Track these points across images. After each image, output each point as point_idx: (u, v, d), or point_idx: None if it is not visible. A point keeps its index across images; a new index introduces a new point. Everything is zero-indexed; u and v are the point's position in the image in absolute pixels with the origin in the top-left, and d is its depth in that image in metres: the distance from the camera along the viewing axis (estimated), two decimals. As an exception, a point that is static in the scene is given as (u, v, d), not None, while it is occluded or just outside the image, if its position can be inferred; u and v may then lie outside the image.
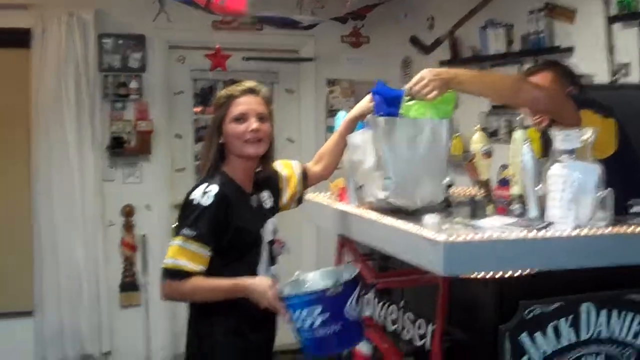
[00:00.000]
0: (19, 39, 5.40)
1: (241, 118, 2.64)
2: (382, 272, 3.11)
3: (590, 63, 4.10)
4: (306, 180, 2.98)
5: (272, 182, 2.86)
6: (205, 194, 2.51)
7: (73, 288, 5.53)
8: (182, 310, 5.81)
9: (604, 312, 2.54)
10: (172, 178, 5.91)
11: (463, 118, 5.11)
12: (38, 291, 5.53)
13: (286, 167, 2.95)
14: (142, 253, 5.80)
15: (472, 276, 2.45)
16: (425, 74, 2.70)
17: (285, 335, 2.73)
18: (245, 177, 2.70)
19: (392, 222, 2.62)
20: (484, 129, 4.51)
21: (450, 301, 2.68)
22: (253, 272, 2.64)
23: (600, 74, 4.04)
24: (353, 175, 3.01)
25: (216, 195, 2.51)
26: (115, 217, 5.75)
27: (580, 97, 3.11)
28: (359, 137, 2.92)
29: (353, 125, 2.95)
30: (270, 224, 2.74)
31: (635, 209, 2.74)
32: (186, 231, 2.49)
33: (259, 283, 2.54)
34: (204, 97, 6.15)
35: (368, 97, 2.89)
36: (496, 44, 4.85)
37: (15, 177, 5.57)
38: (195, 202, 2.52)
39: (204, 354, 2.65)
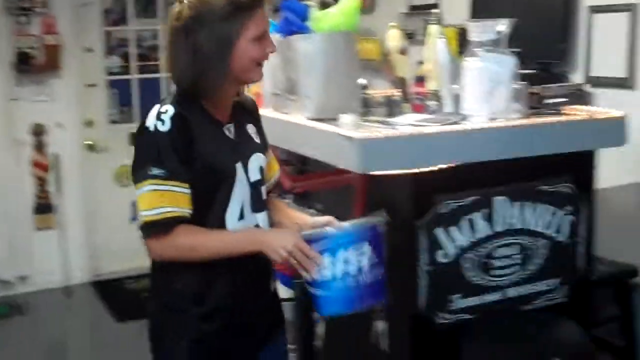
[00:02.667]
0: None
1: (261, 37, 2.09)
2: (299, 176, 3.07)
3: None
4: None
5: (261, 129, 2.31)
6: (160, 117, 2.00)
7: (-17, 211, 5.37)
8: (100, 230, 5.81)
9: (517, 204, 2.57)
10: (84, 94, 5.73)
11: (380, 21, 5.06)
12: (-53, 215, 5.36)
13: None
14: (55, 173, 5.63)
15: (387, 173, 2.42)
16: None
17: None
18: (224, 104, 2.15)
19: (308, 123, 2.57)
20: (402, 31, 4.45)
21: (368, 201, 2.66)
22: (222, 219, 2.09)
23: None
24: (269, 80, 2.93)
25: (173, 117, 2.00)
26: (25, 137, 5.55)
27: None
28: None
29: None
30: (256, 161, 2.18)
31: (548, 100, 2.75)
32: (155, 171, 1.98)
33: (280, 229, 2.18)
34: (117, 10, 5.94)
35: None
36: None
37: None
38: (150, 129, 2.00)
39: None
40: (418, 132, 2.33)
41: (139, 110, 5.90)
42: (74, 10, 5.58)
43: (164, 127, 1.98)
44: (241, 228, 2.10)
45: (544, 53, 3.74)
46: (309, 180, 2.91)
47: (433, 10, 2.79)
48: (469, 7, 4.05)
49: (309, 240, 2.03)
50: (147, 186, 1.99)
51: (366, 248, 2.06)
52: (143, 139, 2.03)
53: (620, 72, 3.48)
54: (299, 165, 3.11)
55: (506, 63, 2.44)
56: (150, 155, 2.00)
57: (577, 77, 3.68)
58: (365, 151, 2.24)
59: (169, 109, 2.01)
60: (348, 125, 2.47)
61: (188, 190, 2.01)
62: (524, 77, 3.53)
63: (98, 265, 5.92)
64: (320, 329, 3.23)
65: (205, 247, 2.04)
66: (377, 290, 2.12)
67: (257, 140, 2.23)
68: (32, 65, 5.42)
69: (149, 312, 2.20)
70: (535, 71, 3.67)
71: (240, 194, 2.10)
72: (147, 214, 2.00)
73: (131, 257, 5.79)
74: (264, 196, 2.19)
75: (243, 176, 2.11)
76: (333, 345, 3.16)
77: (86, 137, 5.79)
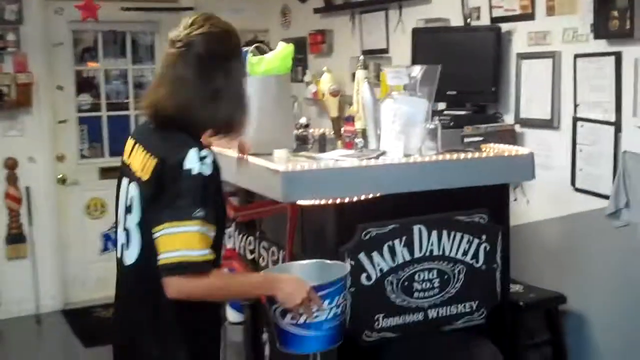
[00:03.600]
0: None
1: None
2: (242, 206, 3.32)
3: (447, 8, 4.37)
4: None
5: None
6: (203, 161, 2.05)
7: (-43, 242, 5.56)
8: (70, 260, 6.00)
9: (434, 233, 2.82)
10: (56, 130, 5.94)
11: (337, 63, 5.37)
12: None
13: None
14: (27, 205, 5.83)
15: (315, 203, 2.68)
16: None
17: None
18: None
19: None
20: (354, 73, 4.74)
21: (302, 229, 2.91)
22: (220, 250, 2.25)
23: (456, 18, 4.30)
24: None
25: (213, 162, 2.09)
26: (-2, 170, 5.77)
27: None
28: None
29: None
30: None
31: (468, 139, 3.03)
32: (200, 213, 2.01)
33: (291, 276, 2.29)
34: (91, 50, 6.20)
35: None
36: (365, -9, 5.07)
37: None
38: (194, 172, 2.03)
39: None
40: (336, 165, 2.59)
41: (108, 146, 6.13)
42: (45, 50, 5.81)
43: (208, 172, 2.04)
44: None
45: (479, 96, 4.03)
46: (249, 210, 3.15)
47: (360, 57, 3.07)
48: (411, 52, 4.34)
49: (316, 288, 2.22)
50: (194, 227, 2.00)
51: (346, 294, 2.31)
52: (188, 181, 2.02)
53: (545, 114, 3.76)
54: (244, 197, 3.35)
55: (419, 105, 2.71)
56: (197, 197, 2.02)
57: (509, 118, 3.97)
58: (288, 182, 2.50)
59: (208, 155, 2.07)
60: (280, 159, 2.73)
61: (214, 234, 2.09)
62: (458, 118, 3.85)
63: (68, 294, 6.09)
64: (266, 350, 3.47)
65: (230, 289, 2.16)
66: (343, 328, 2.36)
67: None
68: (5, 102, 5.61)
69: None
70: (469, 112, 3.98)
71: None
72: (191, 253, 2.00)
73: (100, 287, 6.03)
74: None
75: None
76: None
77: (57, 171, 6.01)
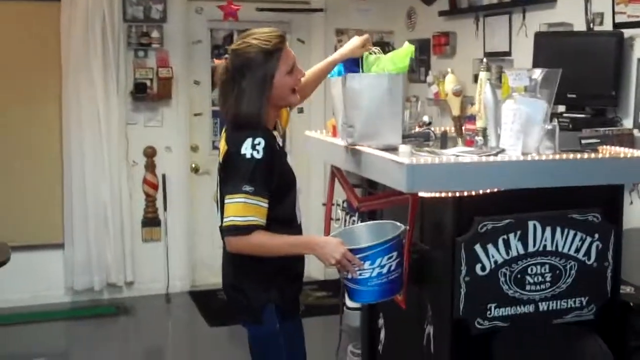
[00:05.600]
0: (50, -8, 5.77)
1: (292, 69, 2.71)
2: (365, 197, 3.53)
3: (570, 13, 4.45)
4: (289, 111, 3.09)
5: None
6: (255, 147, 2.58)
7: (99, 223, 6.02)
8: (199, 245, 6.40)
9: (548, 229, 2.93)
10: (191, 122, 6.36)
11: (458, 65, 5.51)
12: (68, 225, 6.03)
13: None
14: (162, 191, 6.26)
15: (434, 196, 2.86)
16: None
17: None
18: (273, 123, 2.78)
19: (370, 151, 3.02)
20: (477, 75, 4.90)
21: (421, 220, 3.10)
22: (293, 212, 2.80)
23: (579, 23, 4.38)
24: (340, 114, 3.40)
25: (265, 147, 2.58)
26: (138, 158, 6.21)
27: None
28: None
29: (336, 64, 3.21)
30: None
31: (585, 141, 3.14)
32: (247, 187, 2.56)
33: (330, 239, 2.75)
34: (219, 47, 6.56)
35: (356, 38, 3.17)
36: (489, -5, 5.20)
37: (47, 120, 5.99)
38: (247, 156, 2.57)
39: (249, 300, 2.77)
40: (457, 160, 2.77)
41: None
42: (185, 47, 6.24)
43: (259, 155, 2.58)
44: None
45: (599, 100, 4.10)
46: (371, 201, 3.36)
47: (483, 60, 3.22)
48: (532, 55, 4.44)
49: (356, 251, 2.66)
50: (240, 198, 2.57)
51: (394, 254, 2.71)
52: (241, 163, 2.59)
53: (665, 118, 3.81)
54: (367, 188, 3.56)
55: (538, 106, 2.84)
56: (246, 175, 2.57)
57: (628, 122, 4.02)
58: (412, 174, 2.68)
59: (261, 141, 2.59)
60: (404, 153, 2.92)
61: (267, 205, 2.60)
62: (577, 120, 3.94)
63: (196, 276, 6.50)
64: (381, 334, 3.68)
65: (271, 247, 2.65)
66: (398, 284, 2.79)
67: (282, 144, 2.80)
68: (147, 94, 6.08)
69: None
70: (588, 115, 4.07)
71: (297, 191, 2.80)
72: (236, 219, 2.58)
73: (225, 271, 6.40)
74: None
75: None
76: (390, 349, 3.61)
77: (191, 161, 6.42)
